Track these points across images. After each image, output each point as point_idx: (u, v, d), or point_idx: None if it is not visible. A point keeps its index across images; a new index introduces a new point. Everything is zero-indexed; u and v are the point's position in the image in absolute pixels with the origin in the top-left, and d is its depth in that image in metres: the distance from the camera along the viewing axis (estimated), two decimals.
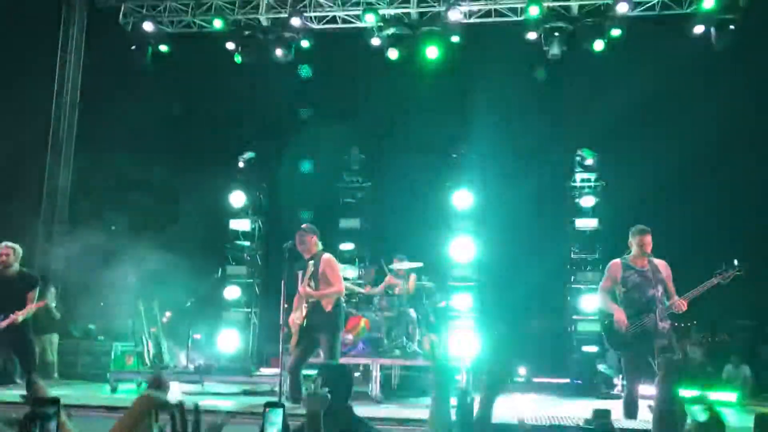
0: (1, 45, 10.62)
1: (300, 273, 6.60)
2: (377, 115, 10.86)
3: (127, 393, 7.50)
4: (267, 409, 2.49)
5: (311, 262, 6.60)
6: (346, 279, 9.44)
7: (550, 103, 10.50)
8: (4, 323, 6.84)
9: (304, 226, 6.79)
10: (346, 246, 11.42)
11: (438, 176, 11.35)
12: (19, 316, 6.78)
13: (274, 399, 6.21)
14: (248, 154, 11.98)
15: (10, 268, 7.01)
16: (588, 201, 10.73)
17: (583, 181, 10.87)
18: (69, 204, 12.40)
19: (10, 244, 7.15)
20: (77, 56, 12.58)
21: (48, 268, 11.54)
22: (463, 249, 10.92)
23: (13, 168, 10.45)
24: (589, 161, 10.78)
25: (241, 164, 12.00)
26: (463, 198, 11.09)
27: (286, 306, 6.58)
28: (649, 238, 6.20)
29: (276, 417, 2.47)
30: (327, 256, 6.69)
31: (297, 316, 6.58)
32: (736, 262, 5.88)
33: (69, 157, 12.49)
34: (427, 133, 10.93)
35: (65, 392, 7.02)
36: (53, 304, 9.62)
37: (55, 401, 2.22)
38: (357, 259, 11.15)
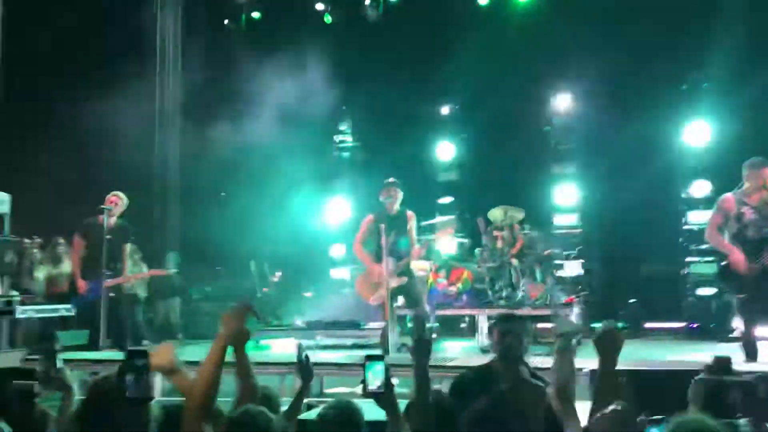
0: (99, 29, 11.16)
1: (383, 227, 6.70)
2: (470, 65, 10.62)
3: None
4: (368, 362, 2.57)
5: (396, 216, 6.86)
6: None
7: (654, 39, 9.89)
8: (113, 282, 7.14)
9: (392, 180, 6.95)
10: (445, 199, 11.41)
11: (535, 121, 11.07)
12: (132, 279, 7.07)
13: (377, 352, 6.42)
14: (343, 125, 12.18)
15: (113, 217, 7.24)
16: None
17: None
18: (180, 170, 13.03)
19: (120, 193, 7.43)
20: (174, 29, 13.09)
21: (166, 234, 12.22)
22: (566, 194, 10.72)
23: (125, 142, 11.00)
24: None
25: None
26: (563, 139, 10.83)
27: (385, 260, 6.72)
28: None
29: (378, 368, 2.55)
30: (412, 213, 7.02)
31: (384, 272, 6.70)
32: None
33: (175, 126, 13.10)
34: (521, 77, 10.63)
35: (190, 350, 7.48)
36: (174, 270, 10.16)
37: (145, 353, 2.40)
38: (457, 212, 11.07)
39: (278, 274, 11.12)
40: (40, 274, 9.00)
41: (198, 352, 7.39)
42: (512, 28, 10.66)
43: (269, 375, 5.42)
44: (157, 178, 12.87)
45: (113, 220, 7.30)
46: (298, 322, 9.70)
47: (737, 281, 5.81)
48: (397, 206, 6.94)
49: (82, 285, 7.23)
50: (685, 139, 10.27)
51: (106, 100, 10.81)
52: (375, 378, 2.54)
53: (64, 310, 7.49)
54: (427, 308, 7.57)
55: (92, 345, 7.04)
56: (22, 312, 7.21)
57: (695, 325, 9.10)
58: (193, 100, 12.66)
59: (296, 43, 11.17)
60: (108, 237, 7.03)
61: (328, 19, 11.61)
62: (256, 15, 12.08)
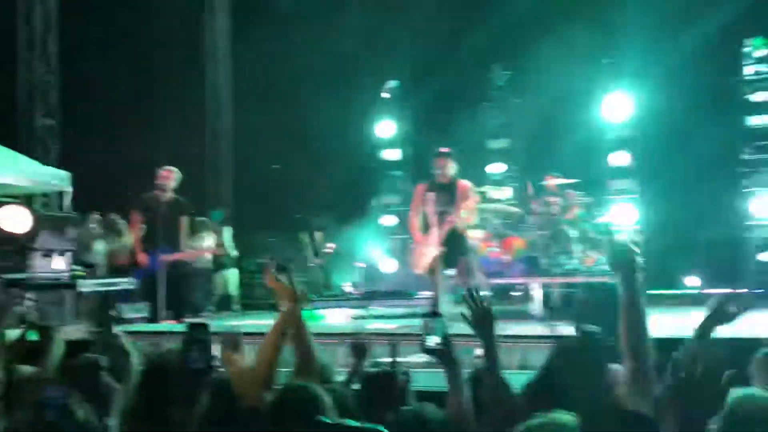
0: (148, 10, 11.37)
1: (432, 196, 6.69)
2: (519, 28, 10.39)
3: None
4: (427, 321, 2.58)
5: (447, 186, 6.73)
6: (498, 200, 9.42)
7: None
8: (172, 257, 7.27)
9: (446, 150, 6.84)
10: (496, 167, 11.22)
11: (588, 85, 10.76)
12: (192, 256, 7.12)
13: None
14: (392, 83, 11.99)
15: (166, 192, 7.30)
16: (762, 96, 9.72)
17: (755, 74, 9.81)
18: (234, 145, 13.26)
19: (172, 168, 7.45)
20: (222, 8, 13.29)
21: (222, 207, 12.46)
22: (620, 160, 10.46)
23: (179, 114, 11.21)
24: (762, 52, 9.72)
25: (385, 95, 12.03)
26: (616, 107, 10.52)
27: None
28: None
29: (437, 326, 2.55)
30: (466, 183, 6.84)
31: (431, 241, 6.66)
32: None
33: (228, 102, 13.33)
34: (572, 40, 10.33)
35: (247, 321, 7.64)
36: (230, 243, 10.32)
37: (205, 326, 2.48)
38: (509, 180, 10.93)
39: (331, 245, 11.21)
40: (100, 247, 9.24)
41: (256, 322, 7.58)
42: None
43: (324, 346, 5.47)
44: (210, 152, 13.13)
45: (168, 194, 7.41)
46: (350, 289, 9.80)
47: None
48: (448, 176, 6.83)
49: (143, 259, 7.41)
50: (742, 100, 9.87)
51: (160, 77, 11.03)
52: (434, 335, 2.54)
53: (126, 283, 7.70)
54: (481, 278, 7.51)
55: (153, 317, 7.24)
56: (85, 286, 7.45)
57: (760, 290, 8.80)
58: (241, 73, 12.80)
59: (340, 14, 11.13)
60: (164, 211, 7.15)
61: None
62: None
